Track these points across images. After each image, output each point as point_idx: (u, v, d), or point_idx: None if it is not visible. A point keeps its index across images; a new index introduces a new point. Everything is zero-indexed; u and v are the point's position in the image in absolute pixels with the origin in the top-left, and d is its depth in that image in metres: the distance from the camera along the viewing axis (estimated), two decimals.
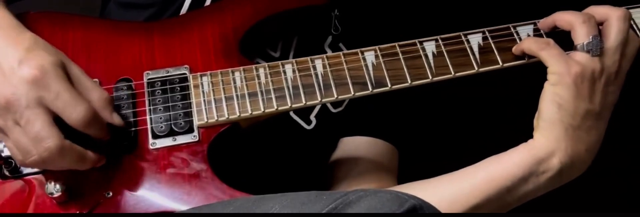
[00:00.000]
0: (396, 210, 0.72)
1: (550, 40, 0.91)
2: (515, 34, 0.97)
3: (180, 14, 1.08)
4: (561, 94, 0.86)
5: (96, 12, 1.26)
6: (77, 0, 1.20)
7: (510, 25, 0.98)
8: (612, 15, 0.90)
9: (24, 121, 0.80)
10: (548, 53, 0.89)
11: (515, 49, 0.95)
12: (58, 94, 0.81)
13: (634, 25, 0.97)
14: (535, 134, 0.90)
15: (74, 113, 0.81)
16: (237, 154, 1.00)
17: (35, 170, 0.90)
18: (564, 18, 0.92)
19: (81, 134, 0.84)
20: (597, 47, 0.88)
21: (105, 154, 0.88)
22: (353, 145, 1.16)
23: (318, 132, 1.12)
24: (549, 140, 0.87)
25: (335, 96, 0.94)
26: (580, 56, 0.88)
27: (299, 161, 1.12)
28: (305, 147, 1.12)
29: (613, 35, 0.89)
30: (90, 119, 0.82)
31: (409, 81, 0.94)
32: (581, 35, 0.88)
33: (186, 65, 0.98)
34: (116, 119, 0.88)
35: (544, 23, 0.95)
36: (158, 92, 0.96)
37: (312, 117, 1.12)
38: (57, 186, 0.86)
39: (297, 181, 1.06)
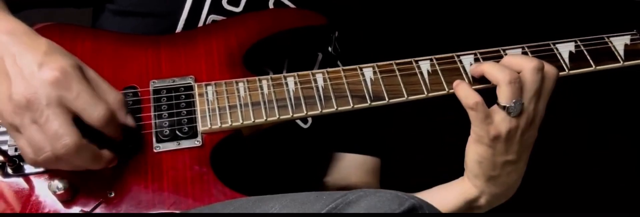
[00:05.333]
0: (396, 209, 0.75)
1: (479, 102, 0.95)
2: (504, 56, 1.03)
3: (178, 25, 1.12)
4: (481, 153, 0.97)
5: (88, 23, 1.25)
6: (68, 12, 1.22)
7: (500, 48, 1.05)
8: (527, 67, 0.95)
9: (43, 119, 0.82)
10: (473, 115, 0.95)
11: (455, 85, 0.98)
12: (79, 94, 0.84)
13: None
14: (465, 178, 1.02)
15: (94, 112, 0.84)
16: (238, 155, 1.03)
17: (39, 169, 0.91)
18: (492, 74, 0.96)
19: (93, 135, 0.86)
20: (517, 110, 0.94)
21: (118, 155, 0.91)
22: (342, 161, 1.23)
23: (314, 131, 1.16)
24: (476, 186, 1.01)
25: (335, 108, 0.98)
26: (499, 117, 0.95)
27: (297, 159, 1.15)
28: (303, 146, 1.15)
29: (528, 87, 0.95)
30: (109, 118, 0.85)
31: (405, 96, 0.99)
32: (505, 97, 0.94)
33: (191, 76, 1.02)
34: (129, 120, 0.91)
35: (475, 70, 1.00)
36: (163, 99, 0.99)
37: None
38: (61, 184, 0.87)
39: (296, 180, 1.09)
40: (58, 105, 0.83)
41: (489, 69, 0.97)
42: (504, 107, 0.94)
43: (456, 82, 0.98)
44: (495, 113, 0.95)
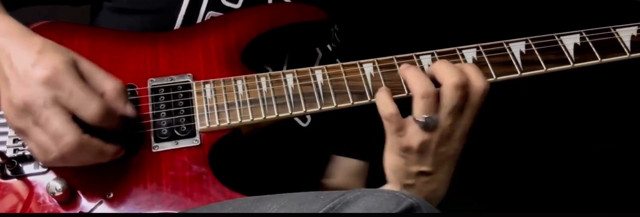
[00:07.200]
0: (393, 209, 0.74)
1: (393, 114, 0.90)
2: (507, 50, 1.01)
3: (176, 23, 1.11)
4: (394, 162, 0.94)
5: (86, 22, 1.24)
6: (67, 10, 1.22)
7: (503, 41, 1.03)
8: (447, 83, 0.89)
9: (42, 120, 0.82)
10: (387, 125, 0.92)
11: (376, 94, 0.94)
12: (71, 92, 0.83)
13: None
14: (387, 185, 0.97)
15: (87, 110, 0.84)
16: (237, 155, 1.02)
17: (38, 170, 0.91)
18: (409, 83, 0.92)
19: (96, 128, 0.86)
20: (430, 125, 0.89)
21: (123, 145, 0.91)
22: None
23: (313, 129, 1.15)
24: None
25: (335, 105, 0.96)
26: (412, 129, 0.90)
27: (296, 158, 1.14)
28: (302, 144, 1.14)
29: (445, 103, 0.89)
30: (103, 114, 0.85)
31: (406, 92, 0.97)
32: (417, 111, 0.89)
33: (189, 74, 1.01)
34: (129, 110, 0.90)
35: (401, 73, 0.95)
36: (161, 98, 0.98)
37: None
38: (59, 185, 0.87)
39: (295, 179, 1.08)
40: (54, 105, 0.82)
41: (410, 77, 0.92)
42: (416, 121, 0.89)
43: (379, 89, 0.94)
44: (408, 125, 0.90)
